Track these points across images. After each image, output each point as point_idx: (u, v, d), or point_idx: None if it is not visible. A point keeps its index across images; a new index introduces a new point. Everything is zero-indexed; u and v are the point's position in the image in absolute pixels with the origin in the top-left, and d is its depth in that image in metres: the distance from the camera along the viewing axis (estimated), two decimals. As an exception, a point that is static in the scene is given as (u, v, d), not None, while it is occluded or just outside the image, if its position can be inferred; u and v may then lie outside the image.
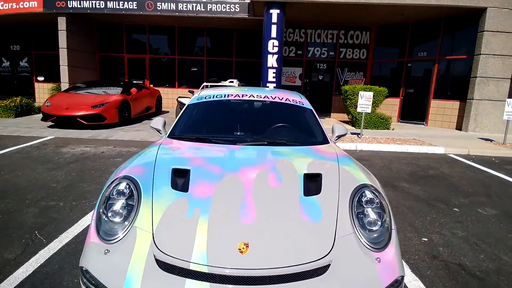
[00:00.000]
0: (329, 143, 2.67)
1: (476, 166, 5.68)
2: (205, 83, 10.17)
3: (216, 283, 1.32)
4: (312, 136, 2.79)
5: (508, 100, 7.36)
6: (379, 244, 1.59)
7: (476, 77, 8.98)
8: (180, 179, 1.92)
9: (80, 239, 2.61)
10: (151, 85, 12.46)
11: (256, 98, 3.08)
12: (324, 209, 1.70)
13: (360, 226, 1.64)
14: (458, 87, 9.85)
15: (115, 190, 1.78)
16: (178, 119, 2.92)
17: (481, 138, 8.26)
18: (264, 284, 1.33)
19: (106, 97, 7.95)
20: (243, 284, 1.32)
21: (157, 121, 3.06)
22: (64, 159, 5.03)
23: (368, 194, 1.82)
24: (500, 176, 5.13)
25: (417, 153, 6.58)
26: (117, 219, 1.64)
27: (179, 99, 8.53)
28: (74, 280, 2.11)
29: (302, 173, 1.99)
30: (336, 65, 11.92)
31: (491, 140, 8.00)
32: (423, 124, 10.56)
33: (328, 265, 1.42)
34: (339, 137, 3.04)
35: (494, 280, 2.30)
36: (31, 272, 2.19)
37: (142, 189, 1.77)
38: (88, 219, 2.95)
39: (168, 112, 11.54)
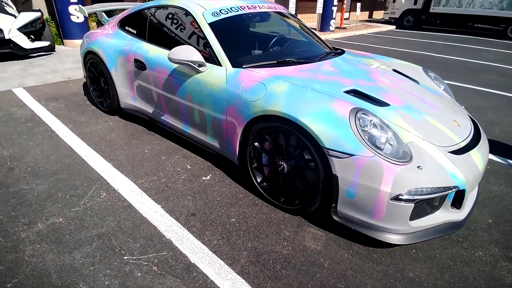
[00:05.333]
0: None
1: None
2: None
3: (473, 148, 1.92)
4: (324, 42, 3.14)
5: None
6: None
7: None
8: (362, 95, 2.03)
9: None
10: None
11: (262, 10, 2.87)
12: (438, 91, 2.52)
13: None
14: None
15: (366, 122, 1.73)
16: (221, 44, 2.36)
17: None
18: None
19: None
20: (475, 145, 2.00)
21: (187, 50, 2.26)
22: None
23: (431, 73, 2.77)
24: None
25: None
26: (392, 145, 1.70)
27: None
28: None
29: (391, 69, 2.62)
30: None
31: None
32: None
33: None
34: None
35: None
36: None
37: (377, 114, 1.83)
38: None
39: None
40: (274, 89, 2.00)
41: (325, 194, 1.87)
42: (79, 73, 5.12)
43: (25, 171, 2.50)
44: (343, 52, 2.92)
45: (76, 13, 6.82)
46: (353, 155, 1.67)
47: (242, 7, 2.73)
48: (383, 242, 1.84)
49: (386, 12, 15.38)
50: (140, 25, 3.06)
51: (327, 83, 2.11)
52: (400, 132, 1.80)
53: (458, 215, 1.86)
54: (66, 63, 5.69)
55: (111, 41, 3.21)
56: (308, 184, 1.96)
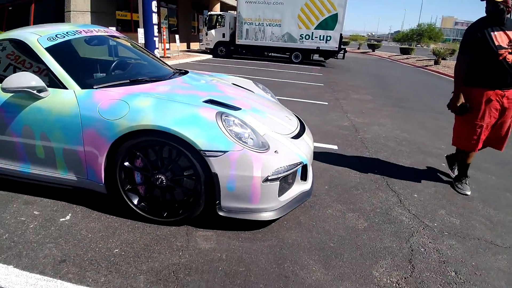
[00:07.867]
0: None
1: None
2: None
3: (303, 134, 2.54)
4: (166, 64, 3.31)
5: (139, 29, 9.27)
6: None
7: (70, 11, 9.63)
8: (218, 103, 2.33)
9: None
10: None
11: (99, 34, 2.79)
12: (268, 97, 3.13)
13: None
14: (52, 20, 9.88)
15: (230, 123, 2.02)
16: (63, 67, 2.15)
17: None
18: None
19: None
20: (304, 132, 2.66)
21: (24, 76, 1.96)
22: None
23: (259, 85, 3.43)
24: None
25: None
26: (253, 139, 2.05)
27: None
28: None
29: (231, 83, 3.10)
30: None
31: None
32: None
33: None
34: None
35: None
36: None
37: (235, 116, 2.14)
38: None
39: None
40: (139, 104, 1.99)
41: (208, 194, 2.01)
42: None
43: None
44: (187, 72, 3.18)
45: None
46: (226, 151, 1.91)
47: (79, 31, 2.57)
48: (262, 222, 2.15)
49: (202, 43, 17.10)
50: None
51: (186, 95, 2.29)
52: (255, 128, 2.19)
53: (306, 185, 2.41)
54: None
55: None
56: (190, 190, 2.05)
